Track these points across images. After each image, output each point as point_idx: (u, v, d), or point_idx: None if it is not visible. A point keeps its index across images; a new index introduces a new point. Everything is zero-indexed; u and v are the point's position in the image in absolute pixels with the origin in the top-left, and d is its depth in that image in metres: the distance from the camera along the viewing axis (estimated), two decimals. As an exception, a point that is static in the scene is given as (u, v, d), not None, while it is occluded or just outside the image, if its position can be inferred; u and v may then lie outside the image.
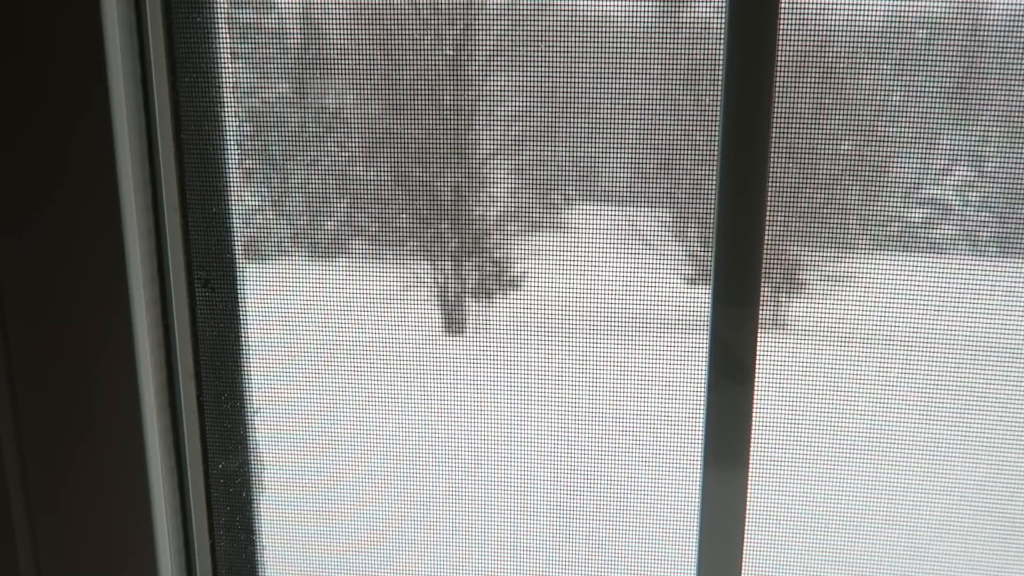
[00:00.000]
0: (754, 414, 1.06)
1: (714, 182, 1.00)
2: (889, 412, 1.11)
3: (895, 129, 1.02)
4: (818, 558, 1.15)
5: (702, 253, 1.06)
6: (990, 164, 1.03)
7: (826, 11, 0.96)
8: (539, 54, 1.00)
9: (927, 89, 0.98)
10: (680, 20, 0.99)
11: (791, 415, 1.09)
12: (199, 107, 1.05)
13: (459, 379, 1.12)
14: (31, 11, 0.93)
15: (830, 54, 0.99)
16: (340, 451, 1.17)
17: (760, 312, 1.02)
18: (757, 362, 1.04)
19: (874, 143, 1.03)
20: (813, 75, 0.99)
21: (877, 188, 1.05)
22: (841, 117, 1.01)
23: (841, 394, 1.10)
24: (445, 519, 1.18)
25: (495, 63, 1.05)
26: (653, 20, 0.99)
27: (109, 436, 1.04)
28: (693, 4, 0.99)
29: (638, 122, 1.03)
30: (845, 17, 0.96)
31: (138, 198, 1.01)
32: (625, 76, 1.00)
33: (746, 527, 1.09)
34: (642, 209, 1.08)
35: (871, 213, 1.06)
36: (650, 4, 0.98)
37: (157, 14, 1.01)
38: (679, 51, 0.99)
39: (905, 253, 1.07)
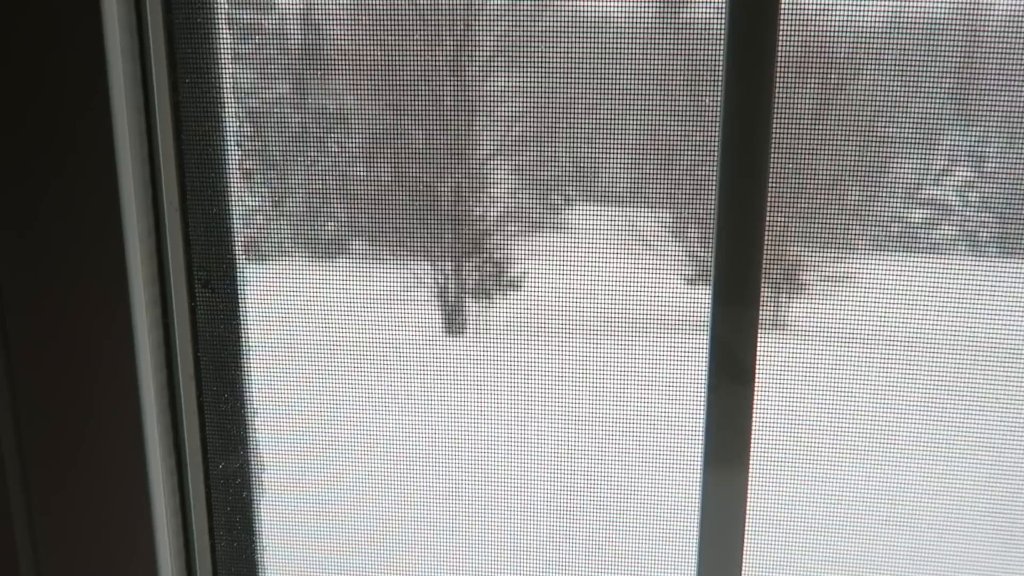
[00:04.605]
0: (754, 414, 1.06)
1: (714, 182, 1.00)
2: (889, 412, 1.11)
3: (895, 129, 1.02)
4: (818, 558, 1.15)
5: (702, 253, 1.06)
6: (990, 164, 1.03)
7: (826, 11, 0.97)
8: (539, 54, 1.00)
9: (927, 89, 0.98)
10: (680, 20, 0.99)
11: (791, 416, 1.09)
12: (199, 107, 1.05)
13: (459, 379, 1.12)
14: (31, 11, 0.93)
15: (830, 54, 0.99)
16: (340, 451, 1.17)
17: (760, 312, 1.02)
18: (757, 362, 1.04)
19: (874, 143, 1.03)
20: (813, 75, 0.99)
21: (877, 188, 1.05)
22: (841, 117, 1.01)
23: (841, 394, 1.10)
24: (445, 519, 1.18)
25: (495, 63, 1.05)
26: (653, 20, 0.99)
27: (109, 436, 1.04)
28: (693, 4, 0.99)
29: (638, 122, 1.03)
30: (845, 17, 0.96)
31: (138, 198, 1.01)
32: (625, 76, 1.00)
33: (746, 527, 1.09)
34: (642, 209, 1.08)
35: (871, 213, 1.06)
36: (650, 4, 0.98)
37: (157, 14, 1.01)
38: (679, 51, 0.99)
39: (905, 253, 1.07)
